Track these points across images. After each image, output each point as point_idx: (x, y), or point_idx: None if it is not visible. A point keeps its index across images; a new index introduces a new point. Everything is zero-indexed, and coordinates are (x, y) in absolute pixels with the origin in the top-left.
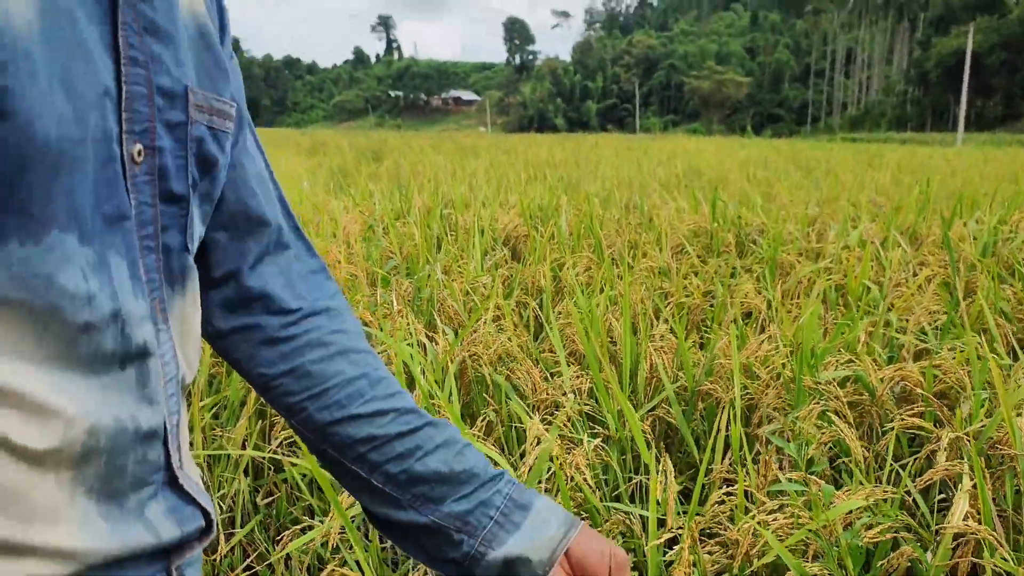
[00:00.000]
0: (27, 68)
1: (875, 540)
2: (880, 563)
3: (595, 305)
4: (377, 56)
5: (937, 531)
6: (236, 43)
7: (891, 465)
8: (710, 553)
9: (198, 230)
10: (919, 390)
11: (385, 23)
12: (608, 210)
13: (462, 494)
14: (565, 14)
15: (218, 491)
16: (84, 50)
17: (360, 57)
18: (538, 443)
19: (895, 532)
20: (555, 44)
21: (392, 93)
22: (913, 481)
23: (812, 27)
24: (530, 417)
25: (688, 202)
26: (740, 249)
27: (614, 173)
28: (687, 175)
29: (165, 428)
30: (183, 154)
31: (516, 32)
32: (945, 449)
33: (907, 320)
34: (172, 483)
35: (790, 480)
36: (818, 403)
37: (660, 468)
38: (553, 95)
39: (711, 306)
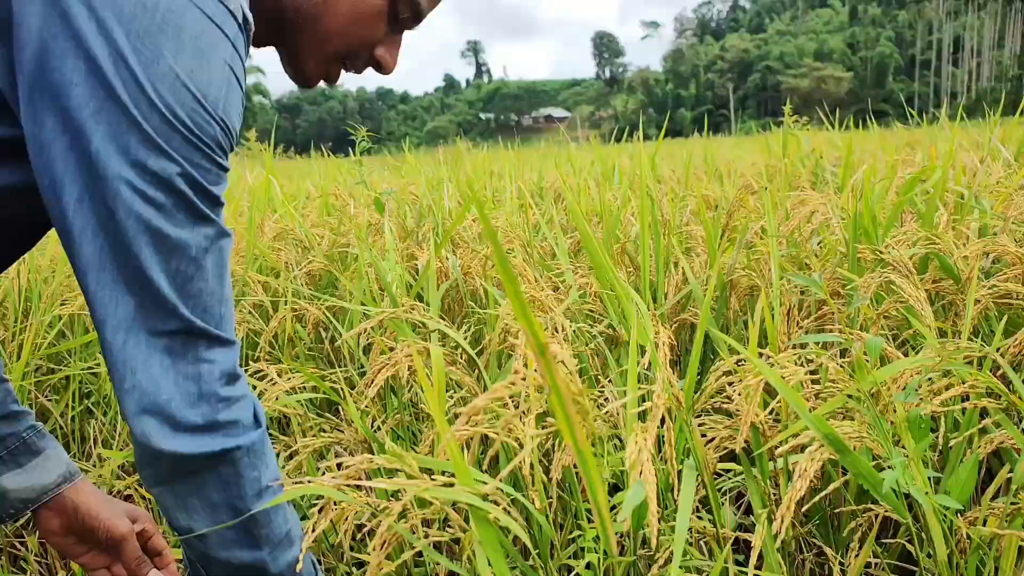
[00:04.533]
0: None
1: (946, 409)
2: (954, 440)
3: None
4: (467, 81)
5: None
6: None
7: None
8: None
9: None
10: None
11: (474, 48)
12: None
13: None
14: (654, 24)
15: None
16: None
17: (451, 84)
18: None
19: (972, 399)
20: (646, 56)
21: (482, 116)
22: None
23: (915, 17)
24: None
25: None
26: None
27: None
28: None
29: None
30: None
31: (605, 46)
32: None
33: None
34: None
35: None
36: (882, 274)
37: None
38: (645, 106)
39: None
